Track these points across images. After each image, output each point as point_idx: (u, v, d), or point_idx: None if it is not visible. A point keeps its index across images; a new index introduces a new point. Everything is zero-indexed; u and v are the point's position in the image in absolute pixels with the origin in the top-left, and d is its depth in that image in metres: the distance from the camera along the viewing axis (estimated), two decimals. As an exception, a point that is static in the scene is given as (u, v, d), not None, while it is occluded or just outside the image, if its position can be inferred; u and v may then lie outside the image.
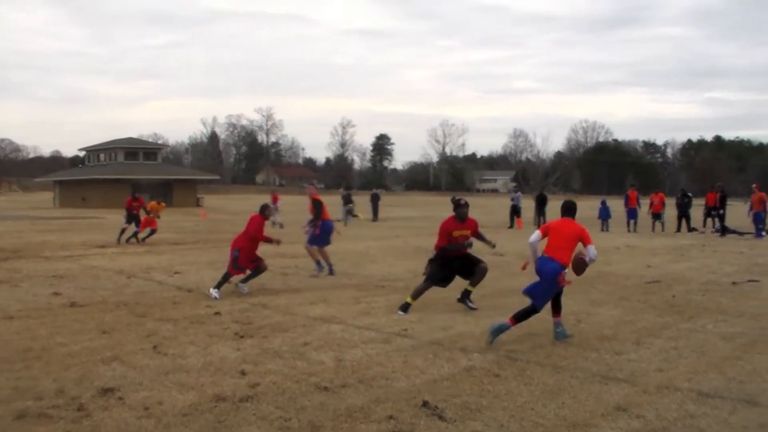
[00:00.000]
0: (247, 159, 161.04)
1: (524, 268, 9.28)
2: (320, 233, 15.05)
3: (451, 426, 5.64)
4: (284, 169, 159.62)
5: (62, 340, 8.43)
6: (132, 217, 23.40)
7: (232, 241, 12.86)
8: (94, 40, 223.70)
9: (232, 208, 54.55)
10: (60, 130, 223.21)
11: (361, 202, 43.14)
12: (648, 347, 8.47)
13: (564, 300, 9.06)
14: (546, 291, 8.57)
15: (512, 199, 35.08)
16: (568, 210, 9.04)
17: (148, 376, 6.85)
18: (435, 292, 11.21)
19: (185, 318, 9.90)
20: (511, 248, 19.35)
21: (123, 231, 22.95)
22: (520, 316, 8.48)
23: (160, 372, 7.01)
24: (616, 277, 14.84)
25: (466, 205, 10.98)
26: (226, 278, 12.21)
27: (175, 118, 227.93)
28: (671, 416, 5.92)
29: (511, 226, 33.20)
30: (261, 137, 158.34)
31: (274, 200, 35.07)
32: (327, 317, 10.03)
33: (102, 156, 77.69)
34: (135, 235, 23.00)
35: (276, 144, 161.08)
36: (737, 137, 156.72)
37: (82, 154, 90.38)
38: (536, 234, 8.87)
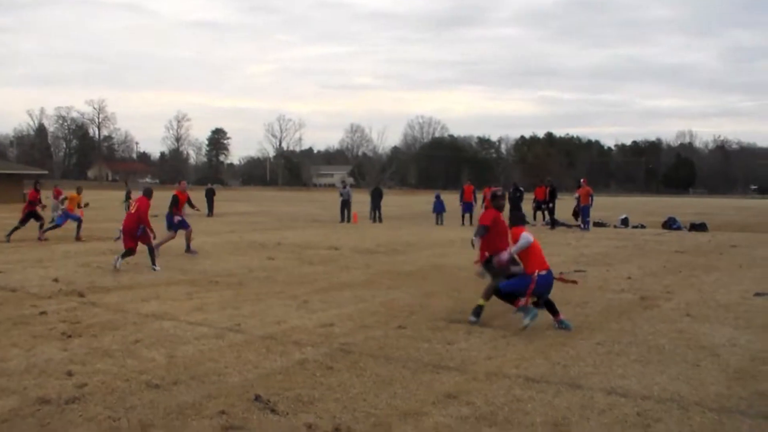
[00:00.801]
0: (78, 153, 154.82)
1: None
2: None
3: (284, 419, 5.73)
4: (117, 163, 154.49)
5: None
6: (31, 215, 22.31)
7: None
8: None
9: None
10: None
11: (197, 197, 42.42)
12: (479, 336, 8.84)
13: (397, 293, 9.31)
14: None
15: (341, 194, 35.38)
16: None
17: (-35, 381, 6.58)
18: (266, 285, 11.24)
19: (8, 319, 9.49)
20: (345, 243, 19.60)
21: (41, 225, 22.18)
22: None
23: (-23, 377, 6.74)
24: (450, 269, 15.34)
25: (503, 196, 11.29)
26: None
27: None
28: (499, 401, 6.24)
29: (343, 221, 33.52)
30: (93, 131, 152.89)
31: (57, 194, 34.56)
32: (159, 314, 9.90)
33: None
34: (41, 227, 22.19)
35: (109, 138, 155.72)
36: (567, 134, 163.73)
37: None
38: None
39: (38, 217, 22.53)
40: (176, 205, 18.51)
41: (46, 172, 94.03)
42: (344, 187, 36.64)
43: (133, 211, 15.37)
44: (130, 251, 15.07)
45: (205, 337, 8.49)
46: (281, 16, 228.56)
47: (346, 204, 34.18)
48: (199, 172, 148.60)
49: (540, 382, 6.83)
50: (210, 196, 39.37)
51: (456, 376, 7.03)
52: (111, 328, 8.96)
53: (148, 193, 15.70)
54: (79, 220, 22.42)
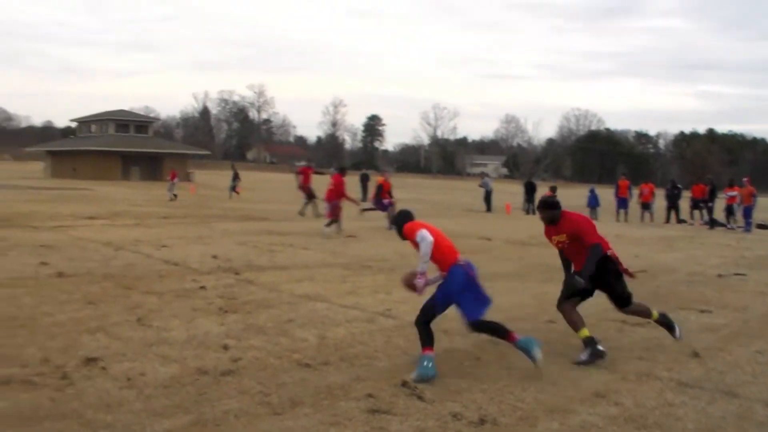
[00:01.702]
0: (239, 135, 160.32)
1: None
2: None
3: (429, 406, 5.67)
4: (275, 146, 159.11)
5: (48, 310, 8.44)
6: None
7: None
8: (88, 11, 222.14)
9: (222, 184, 54.19)
10: (52, 101, 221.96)
11: (352, 182, 43.10)
12: (630, 335, 8.53)
13: (549, 286, 9.04)
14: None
15: (481, 185, 35.48)
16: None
17: (131, 348, 6.87)
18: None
19: (170, 291, 9.89)
20: (498, 233, 19.39)
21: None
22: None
23: (143, 344, 7.03)
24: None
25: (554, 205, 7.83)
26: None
27: (167, 92, 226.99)
28: (650, 404, 5.97)
29: (489, 210, 33.50)
30: (252, 114, 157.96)
31: (173, 177, 36.16)
32: (312, 295, 10.05)
33: (93, 127, 77.33)
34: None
35: (267, 121, 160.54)
36: (730, 131, 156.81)
37: (74, 125, 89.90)
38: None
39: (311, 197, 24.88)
40: (381, 191, 22.84)
41: (208, 152, 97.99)
42: (484, 178, 36.79)
43: (331, 188, 19.39)
44: (333, 221, 18.85)
45: (356, 321, 8.55)
46: (438, 3, 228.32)
47: (488, 195, 34.28)
48: (355, 158, 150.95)
49: (693, 388, 6.49)
50: (364, 181, 39.90)
51: (605, 375, 6.78)
52: (266, 306, 9.16)
53: (342, 171, 20.45)
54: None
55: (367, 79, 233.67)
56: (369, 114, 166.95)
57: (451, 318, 8.76)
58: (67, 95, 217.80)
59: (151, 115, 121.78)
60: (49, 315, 8.21)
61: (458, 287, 6.70)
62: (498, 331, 6.76)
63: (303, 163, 32.67)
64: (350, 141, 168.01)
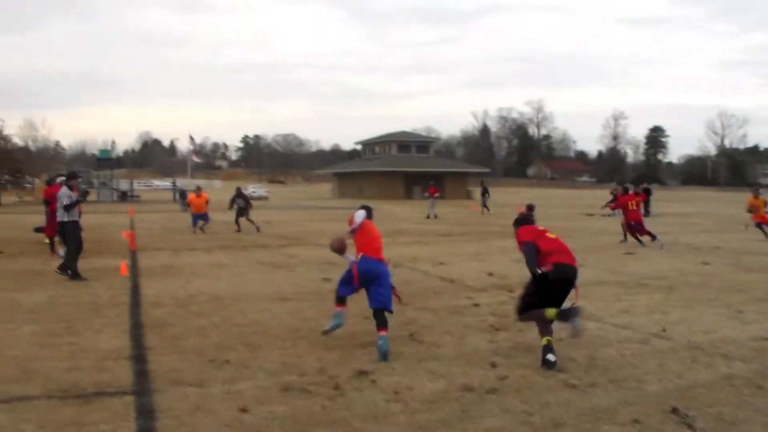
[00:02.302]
0: (519, 152, 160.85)
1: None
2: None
3: (701, 436, 5.44)
4: (555, 162, 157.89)
5: (327, 323, 9.01)
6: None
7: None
8: (370, 39, 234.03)
9: (502, 201, 54.69)
10: (339, 125, 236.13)
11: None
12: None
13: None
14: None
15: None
16: (371, 212, 8.84)
17: (401, 362, 7.19)
18: (698, 290, 10.75)
19: (444, 308, 10.21)
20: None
21: None
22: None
23: (413, 359, 7.33)
24: None
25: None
26: None
27: (447, 111, 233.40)
28: None
29: None
30: (532, 130, 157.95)
31: (432, 193, 36.03)
32: (585, 314, 9.90)
33: (377, 149, 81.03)
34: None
35: (547, 137, 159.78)
36: None
37: (358, 147, 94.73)
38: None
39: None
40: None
41: (488, 170, 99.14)
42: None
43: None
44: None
45: (628, 341, 8.34)
46: (718, 4, 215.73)
47: None
48: (637, 171, 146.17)
49: None
50: (646, 195, 38.66)
51: None
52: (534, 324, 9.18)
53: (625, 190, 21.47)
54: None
55: (647, 89, 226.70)
56: (651, 125, 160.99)
57: (732, 341, 8.32)
58: (352, 119, 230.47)
59: (432, 135, 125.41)
60: (328, 328, 8.79)
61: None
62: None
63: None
64: (632, 154, 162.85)
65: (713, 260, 16.63)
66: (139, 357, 7.36)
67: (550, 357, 7.17)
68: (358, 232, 8.31)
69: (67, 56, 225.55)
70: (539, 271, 7.55)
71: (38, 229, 18.39)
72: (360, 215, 8.40)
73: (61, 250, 15.72)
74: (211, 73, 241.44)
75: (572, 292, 7.69)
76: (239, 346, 7.84)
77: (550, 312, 7.41)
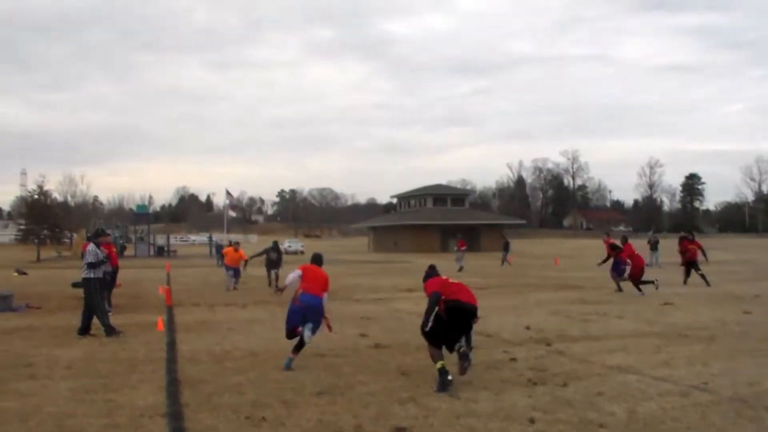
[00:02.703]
0: (554, 203, 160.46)
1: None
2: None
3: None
4: (591, 212, 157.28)
5: (364, 379, 8.99)
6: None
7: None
8: (405, 92, 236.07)
9: (539, 253, 54.57)
10: (375, 179, 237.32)
11: (668, 246, 41.43)
12: None
13: None
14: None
15: None
16: (317, 260, 10.91)
17: (439, 419, 7.10)
18: (740, 341, 10.54)
19: (481, 363, 10.09)
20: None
21: None
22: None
23: (451, 415, 7.24)
24: None
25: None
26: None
27: (482, 163, 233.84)
28: None
29: None
30: (567, 180, 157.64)
31: (460, 245, 36.18)
32: (624, 366, 9.78)
33: (412, 202, 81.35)
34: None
35: (582, 187, 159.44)
36: None
37: (394, 200, 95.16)
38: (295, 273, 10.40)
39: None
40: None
41: (524, 221, 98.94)
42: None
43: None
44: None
45: (669, 394, 8.18)
46: (751, 51, 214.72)
47: None
48: (674, 219, 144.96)
49: None
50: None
51: None
52: (575, 378, 9.06)
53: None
54: None
55: (683, 136, 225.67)
56: (687, 172, 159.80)
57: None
58: (388, 173, 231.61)
59: (467, 187, 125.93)
60: (364, 384, 8.74)
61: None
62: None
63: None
64: (668, 202, 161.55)
65: (754, 309, 16.37)
66: (175, 414, 7.35)
67: (446, 378, 8.50)
68: (303, 275, 10.35)
69: (106, 113, 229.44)
70: (427, 328, 8.81)
71: (76, 285, 18.57)
72: (291, 276, 10.47)
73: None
74: (247, 128, 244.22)
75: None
76: (275, 402, 7.80)
77: (439, 364, 8.66)
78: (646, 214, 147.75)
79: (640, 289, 19.95)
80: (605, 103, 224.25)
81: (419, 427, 6.82)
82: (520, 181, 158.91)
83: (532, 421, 7.02)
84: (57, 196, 75.67)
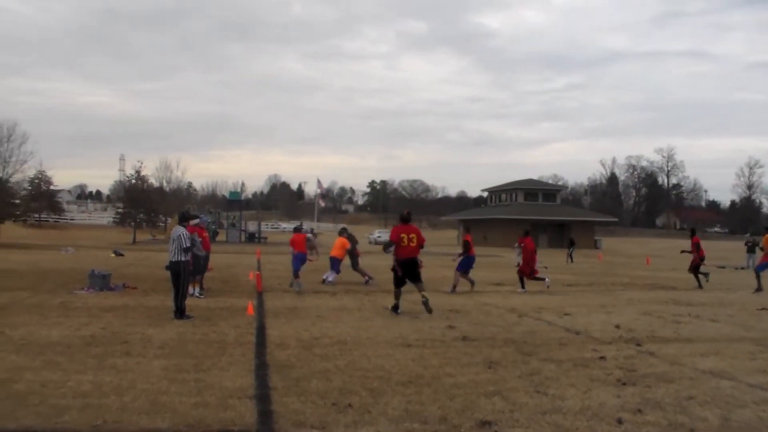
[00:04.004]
0: (647, 201, 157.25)
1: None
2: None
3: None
4: (686, 211, 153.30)
5: (450, 371, 8.98)
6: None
7: None
8: (498, 86, 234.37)
9: (630, 252, 53.63)
10: (466, 172, 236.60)
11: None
12: None
13: None
14: None
15: None
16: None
17: (525, 414, 7.05)
18: None
19: (569, 360, 9.99)
20: None
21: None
22: None
23: (537, 411, 7.18)
24: None
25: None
26: None
27: (574, 159, 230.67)
28: None
29: None
30: (661, 179, 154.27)
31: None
32: (717, 371, 9.52)
33: (503, 196, 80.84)
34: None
35: (677, 186, 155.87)
36: None
37: (485, 194, 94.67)
38: None
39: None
40: None
41: (616, 219, 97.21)
42: None
43: None
44: None
45: (765, 402, 7.90)
46: None
47: None
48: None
49: None
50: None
51: None
52: (665, 380, 8.86)
53: None
54: None
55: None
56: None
57: None
58: (480, 166, 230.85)
59: (559, 183, 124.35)
60: (451, 376, 8.74)
61: None
62: None
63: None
64: (767, 204, 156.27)
65: None
66: (263, 397, 7.48)
67: (396, 308, 14.90)
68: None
69: (202, 102, 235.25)
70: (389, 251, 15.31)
71: (169, 267, 19.06)
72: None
73: (194, 290, 16.25)
74: (340, 118, 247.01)
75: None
76: (362, 390, 7.87)
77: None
78: (743, 216, 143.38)
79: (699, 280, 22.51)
80: (703, 100, 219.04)
81: (504, 421, 6.77)
82: (612, 178, 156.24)
83: (620, 421, 6.90)
84: (153, 181, 77.58)
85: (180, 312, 13.20)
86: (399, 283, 14.76)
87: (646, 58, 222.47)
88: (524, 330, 12.80)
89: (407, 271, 14.63)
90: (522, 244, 21.72)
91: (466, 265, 20.64)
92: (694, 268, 23.67)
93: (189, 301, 13.86)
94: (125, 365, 8.90)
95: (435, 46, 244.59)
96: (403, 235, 14.70)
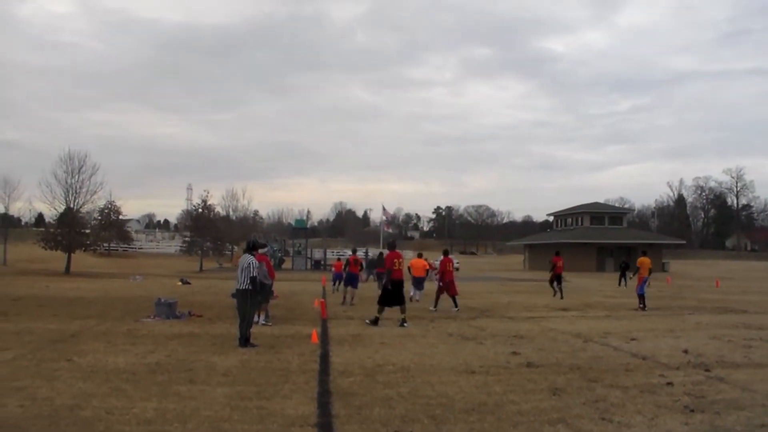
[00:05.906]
0: (716, 223, 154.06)
1: None
2: None
3: None
4: (756, 232, 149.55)
5: (514, 398, 8.93)
6: None
7: None
8: (562, 110, 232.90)
9: (698, 274, 52.55)
10: (531, 196, 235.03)
11: None
12: None
13: None
14: None
15: None
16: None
17: (591, 442, 6.99)
18: None
19: (636, 386, 9.84)
20: None
21: None
22: None
23: (603, 439, 7.11)
24: None
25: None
26: None
27: (640, 182, 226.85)
28: None
29: None
30: (731, 199, 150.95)
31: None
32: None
33: (569, 220, 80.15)
34: None
35: (747, 206, 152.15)
36: None
37: (550, 218, 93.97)
38: None
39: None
40: None
41: (683, 241, 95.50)
42: None
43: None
44: None
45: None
46: None
47: None
48: None
49: None
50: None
51: None
52: (736, 407, 8.66)
53: None
54: None
55: None
56: None
57: None
58: (545, 190, 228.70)
59: (626, 205, 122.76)
60: (514, 403, 8.68)
61: None
62: None
63: None
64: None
65: None
66: (325, 425, 7.53)
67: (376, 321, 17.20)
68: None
69: (269, 131, 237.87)
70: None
71: (235, 295, 19.32)
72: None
73: (259, 318, 16.42)
74: (405, 145, 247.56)
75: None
76: (425, 418, 7.87)
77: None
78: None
79: None
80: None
81: (570, 449, 6.73)
82: (680, 200, 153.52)
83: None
84: (219, 209, 78.69)
85: (244, 340, 13.33)
86: (386, 302, 17.52)
87: (713, 77, 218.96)
88: (590, 356, 12.66)
89: (396, 290, 17.48)
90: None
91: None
92: None
93: (254, 329, 14.01)
94: (189, 392, 9.06)
95: (499, 71, 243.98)
96: (395, 260, 17.72)
